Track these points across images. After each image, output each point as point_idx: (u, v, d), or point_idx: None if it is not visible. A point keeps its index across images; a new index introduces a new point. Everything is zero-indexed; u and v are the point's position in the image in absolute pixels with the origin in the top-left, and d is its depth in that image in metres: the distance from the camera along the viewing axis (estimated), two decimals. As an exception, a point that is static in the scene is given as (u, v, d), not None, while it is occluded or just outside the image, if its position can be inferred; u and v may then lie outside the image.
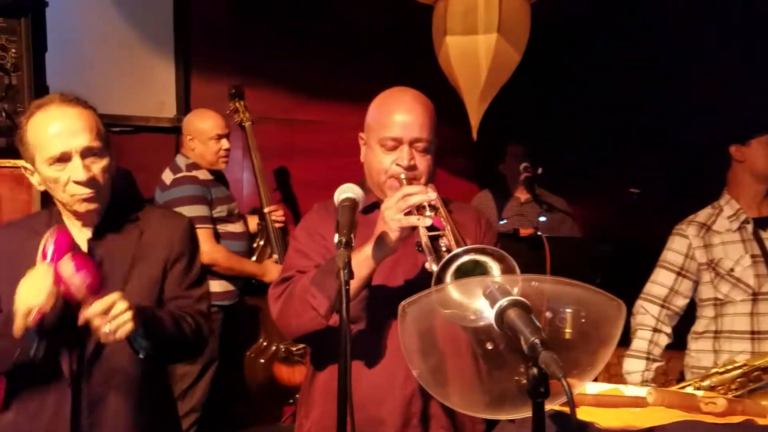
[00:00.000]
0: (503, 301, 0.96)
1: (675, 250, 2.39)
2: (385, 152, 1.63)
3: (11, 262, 1.54)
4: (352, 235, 1.29)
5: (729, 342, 2.28)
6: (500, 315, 0.96)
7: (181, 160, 3.14)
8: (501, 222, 3.54)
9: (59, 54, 2.84)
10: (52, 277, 1.41)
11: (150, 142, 3.61)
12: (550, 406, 0.96)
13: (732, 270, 2.28)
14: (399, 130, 1.61)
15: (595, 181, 3.96)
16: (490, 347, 1.02)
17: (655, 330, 2.36)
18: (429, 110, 1.66)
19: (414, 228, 1.45)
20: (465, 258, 1.26)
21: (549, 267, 2.99)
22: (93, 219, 1.61)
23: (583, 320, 1.02)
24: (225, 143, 3.14)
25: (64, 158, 1.50)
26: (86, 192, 1.53)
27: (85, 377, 1.57)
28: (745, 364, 1.88)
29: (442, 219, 1.45)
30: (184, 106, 3.65)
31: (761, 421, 1.45)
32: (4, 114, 2.44)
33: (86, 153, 1.52)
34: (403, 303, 1.06)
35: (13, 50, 2.48)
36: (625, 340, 2.41)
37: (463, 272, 1.27)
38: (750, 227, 2.33)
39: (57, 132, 1.50)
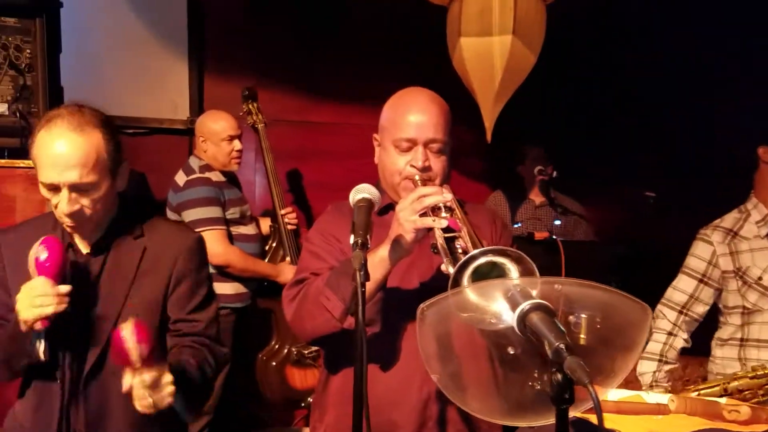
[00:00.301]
0: (525, 305, 0.94)
1: (698, 256, 2.31)
2: (399, 153, 1.61)
3: (23, 262, 1.53)
4: (368, 237, 1.26)
5: (756, 350, 2.21)
6: (522, 319, 0.93)
7: (194, 162, 3.13)
8: (515, 225, 3.51)
9: (73, 55, 2.85)
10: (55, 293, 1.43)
11: (163, 144, 3.62)
12: (573, 413, 0.93)
13: (760, 278, 2.20)
14: (413, 130, 1.59)
15: (610, 184, 3.91)
16: (511, 351, 0.99)
17: (671, 334, 2.31)
18: (444, 111, 1.64)
19: (429, 229, 1.42)
20: (482, 260, 1.23)
21: (564, 270, 2.96)
22: (89, 235, 1.61)
23: (599, 325, 0.99)
24: (237, 144, 3.14)
25: (53, 188, 1.51)
26: (69, 221, 1.55)
27: (85, 386, 1.57)
28: None
29: (457, 220, 1.42)
30: (198, 107, 3.66)
31: (787, 430, 1.41)
32: (18, 114, 2.44)
33: (75, 188, 1.51)
34: (422, 306, 1.04)
35: (28, 51, 2.48)
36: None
37: (480, 274, 1.24)
38: None
39: (52, 162, 1.48)
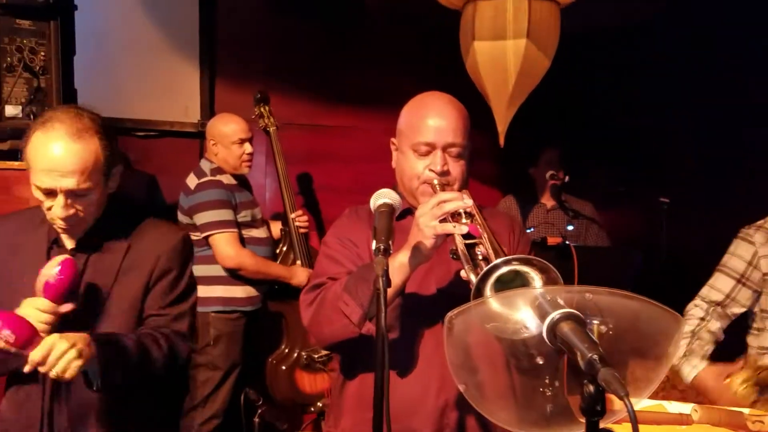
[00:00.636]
0: (555, 314, 0.92)
1: (738, 255, 2.21)
2: (417, 157, 1.60)
3: (7, 254, 1.59)
4: (390, 242, 1.25)
5: None
6: (552, 329, 0.92)
7: (205, 165, 3.13)
8: (528, 230, 3.49)
9: (86, 58, 2.85)
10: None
11: (174, 147, 3.62)
12: (603, 425, 0.91)
13: None
14: (432, 135, 1.58)
15: (624, 189, 3.88)
16: (541, 362, 0.97)
17: (703, 319, 2.19)
18: (463, 115, 1.63)
19: (448, 235, 1.41)
20: (505, 268, 1.22)
21: (577, 276, 2.93)
22: (76, 232, 1.62)
23: (629, 335, 0.97)
24: (248, 147, 3.13)
25: (49, 192, 1.51)
26: (62, 224, 1.56)
27: (68, 385, 1.56)
28: None
29: (478, 226, 1.41)
30: (209, 111, 3.65)
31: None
32: (32, 117, 2.44)
33: (71, 194, 1.51)
34: (449, 315, 1.02)
35: (42, 53, 2.48)
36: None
37: (502, 282, 1.23)
38: None
39: (49, 167, 1.49)
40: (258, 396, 2.24)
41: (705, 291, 2.25)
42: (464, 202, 1.43)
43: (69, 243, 1.63)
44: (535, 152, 3.63)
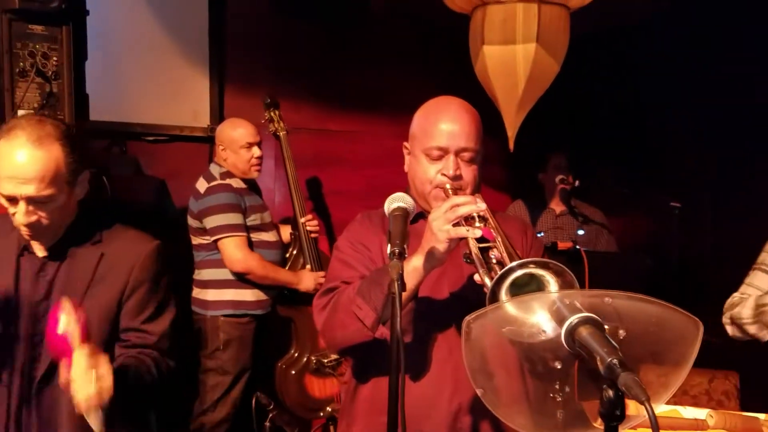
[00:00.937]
0: (573, 318, 0.91)
1: None
2: (430, 162, 1.61)
3: None
4: (405, 246, 1.25)
5: None
6: (571, 333, 0.91)
7: (214, 169, 3.14)
8: (539, 235, 3.48)
9: (96, 63, 2.86)
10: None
11: (184, 152, 3.63)
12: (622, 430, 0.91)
13: None
14: (445, 139, 1.58)
15: (634, 194, 3.87)
16: (558, 366, 0.97)
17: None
18: (475, 120, 1.63)
19: (462, 238, 1.41)
20: (520, 272, 1.22)
21: (587, 281, 2.92)
22: (46, 240, 1.62)
23: (649, 340, 0.97)
24: (256, 151, 3.13)
25: (11, 199, 1.53)
26: (26, 231, 1.56)
27: (38, 392, 1.56)
28: None
29: (491, 230, 1.41)
30: (218, 115, 3.67)
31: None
32: (44, 121, 2.45)
33: (31, 201, 1.52)
34: (467, 319, 1.02)
35: (54, 58, 2.49)
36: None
37: (517, 286, 1.22)
38: None
39: (10, 174, 1.50)
40: (269, 400, 2.23)
41: (742, 289, 2.13)
42: (477, 205, 1.42)
43: (39, 250, 1.63)
44: (543, 157, 3.63)
